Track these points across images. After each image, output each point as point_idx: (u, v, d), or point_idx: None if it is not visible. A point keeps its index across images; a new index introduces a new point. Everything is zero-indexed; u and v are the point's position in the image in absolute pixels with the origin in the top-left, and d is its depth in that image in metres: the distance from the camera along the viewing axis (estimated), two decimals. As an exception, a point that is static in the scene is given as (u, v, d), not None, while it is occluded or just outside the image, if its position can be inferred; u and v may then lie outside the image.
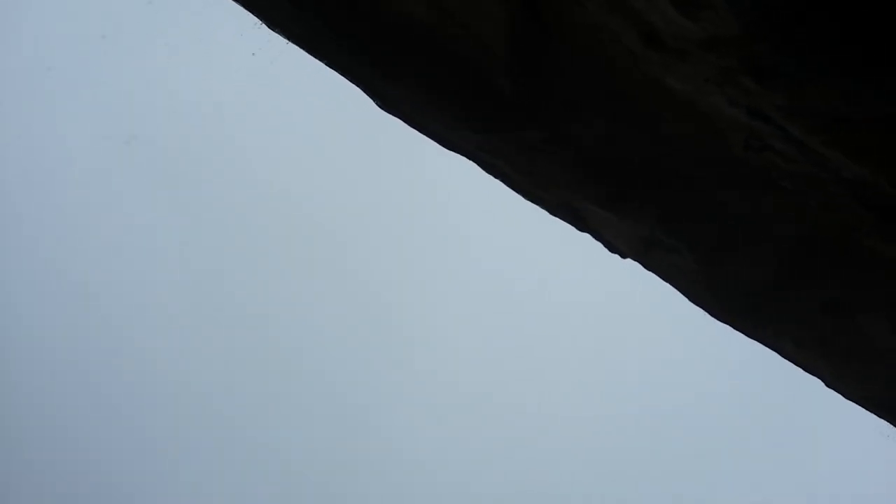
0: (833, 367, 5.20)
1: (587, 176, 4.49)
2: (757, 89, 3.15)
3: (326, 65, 4.50)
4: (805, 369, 5.38)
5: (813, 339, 5.13)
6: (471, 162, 4.37)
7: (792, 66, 3.09)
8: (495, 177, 4.40)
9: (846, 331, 4.96)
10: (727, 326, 5.36)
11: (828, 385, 5.39)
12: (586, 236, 4.85)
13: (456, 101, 4.05)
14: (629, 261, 5.16)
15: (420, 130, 4.31)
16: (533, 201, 4.45)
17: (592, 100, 3.84)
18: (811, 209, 4.07)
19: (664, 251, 4.81)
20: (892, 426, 5.26)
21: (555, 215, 4.54)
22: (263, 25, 4.49)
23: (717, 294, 5.11)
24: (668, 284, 5.31)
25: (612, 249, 4.84)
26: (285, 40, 4.50)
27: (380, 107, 4.28)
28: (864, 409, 5.34)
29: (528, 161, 4.19)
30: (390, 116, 4.46)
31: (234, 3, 4.43)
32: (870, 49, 3.12)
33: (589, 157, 4.42)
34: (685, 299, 5.38)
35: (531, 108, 3.92)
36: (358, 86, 4.56)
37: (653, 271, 5.06)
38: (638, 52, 3.57)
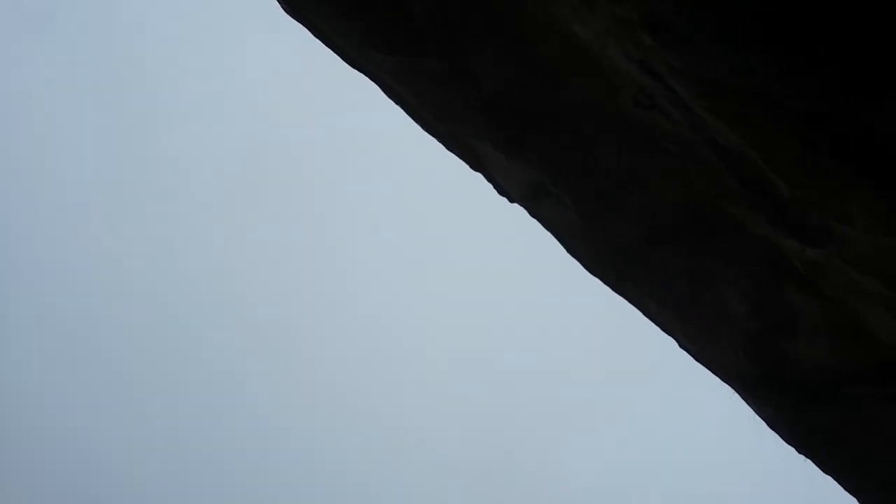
0: (687, 330, 5.28)
1: (487, 117, 4.40)
2: (653, 46, 3.10)
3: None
4: (662, 329, 5.45)
5: (673, 301, 5.19)
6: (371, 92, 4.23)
7: (690, 28, 3.05)
8: (396, 103, 4.27)
9: (703, 297, 5.03)
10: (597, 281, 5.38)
11: (681, 346, 5.48)
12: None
13: (366, 17, 3.89)
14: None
15: (325, 43, 4.14)
16: (430, 133, 4.35)
17: (500, 38, 3.75)
18: (687, 174, 4.08)
19: (551, 201, 4.77)
20: (733, 390, 5.39)
21: (450, 150, 4.44)
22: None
23: (593, 248, 5.10)
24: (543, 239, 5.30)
25: (501, 192, 4.78)
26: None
27: (285, 11, 4.09)
28: (710, 372, 5.46)
29: (431, 91, 4.08)
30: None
31: None
32: (769, 28, 3.10)
33: (491, 99, 4.33)
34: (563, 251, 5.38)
35: (439, 37, 3.80)
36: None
37: (537, 219, 5.02)
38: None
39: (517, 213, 5.18)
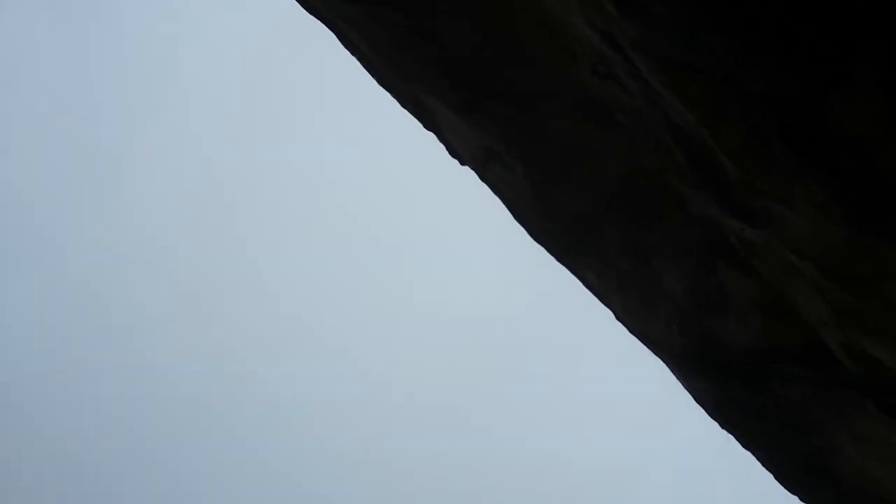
0: (624, 303, 5.32)
1: (445, 77, 4.32)
2: (615, 15, 3.06)
3: None
4: (601, 301, 5.48)
5: (612, 274, 5.20)
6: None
7: (655, 1, 3.01)
8: (353, 54, 4.16)
9: (643, 272, 5.05)
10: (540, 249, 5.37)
11: (617, 318, 5.52)
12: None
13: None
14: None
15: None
16: (386, 88, 4.25)
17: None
18: (637, 149, 4.06)
19: (501, 166, 4.72)
20: (664, 364, 5.45)
21: (404, 107, 4.36)
22: None
23: (539, 217, 5.08)
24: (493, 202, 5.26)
25: (452, 154, 4.72)
26: None
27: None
28: (643, 344, 5.52)
29: (390, 45, 3.98)
30: None
31: None
32: (734, 5, 3.08)
33: (450, 59, 4.25)
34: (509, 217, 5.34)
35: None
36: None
37: (486, 183, 4.98)
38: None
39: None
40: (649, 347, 5.39)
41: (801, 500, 5.34)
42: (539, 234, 5.17)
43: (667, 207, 4.55)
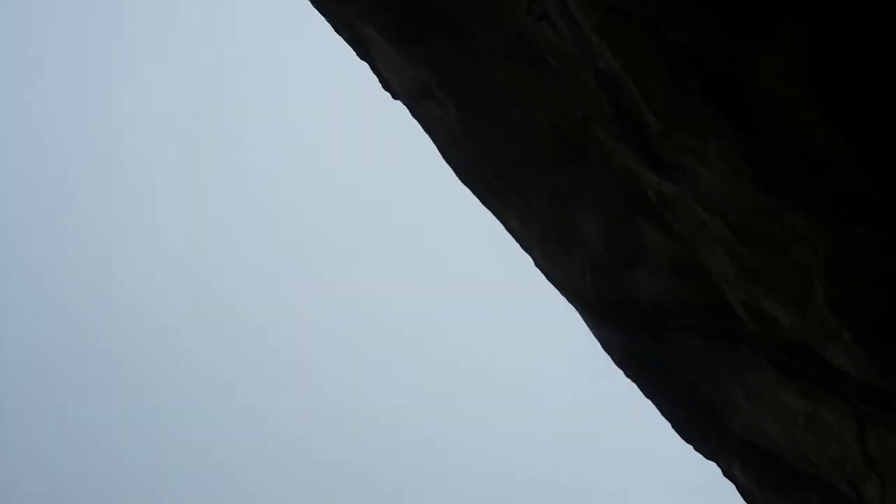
0: (544, 250, 5.35)
1: (383, 6, 4.25)
2: (551, -47, 3.03)
3: None
4: (521, 246, 5.51)
5: (534, 220, 5.23)
6: None
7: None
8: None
9: (562, 220, 5.09)
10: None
11: (536, 265, 5.56)
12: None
13: None
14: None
15: None
16: (321, 11, 4.16)
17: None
18: (566, 95, 4.06)
19: (434, 103, 4.68)
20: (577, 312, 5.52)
21: (339, 33, 4.28)
22: None
23: (467, 157, 5.07)
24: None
25: (385, 87, 4.66)
26: None
27: None
28: (558, 293, 5.57)
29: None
30: None
31: None
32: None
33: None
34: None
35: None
36: None
37: (418, 120, 4.93)
38: None
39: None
40: (564, 295, 5.45)
41: (695, 449, 5.49)
42: (467, 175, 5.16)
43: (590, 157, 4.58)
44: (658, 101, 3.66)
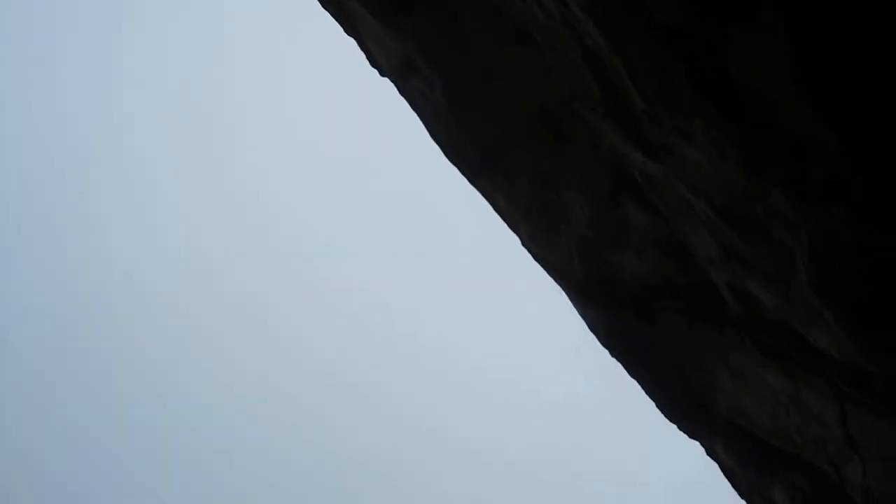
0: (530, 230, 5.33)
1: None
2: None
3: None
4: (509, 226, 5.49)
5: (521, 201, 5.21)
6: None
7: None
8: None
9: (549, 200, 5.06)
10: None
11: (522, 244, 5.54)
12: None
13: None
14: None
15: None
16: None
17: None
18: (552, 73, 4.02)
19: (420, 80, 4.64)
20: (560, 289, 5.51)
21: (325, 8, 4.22)
22: None
23: (454, 136, 5.03)
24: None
25: (372, 63, 4.61)
26: None
27: None
28: (545, 271, 5.56)
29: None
30: None
31: None
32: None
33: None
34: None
35: None
36: None
37: (405, 97, 4.89)
38: None
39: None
40: (550, 275, 5.44)
41: (679, 428, 5.50)
42: (453, 154, 5.13)
43: (577, 137, 4.55)
44: (644, 81, 3.62)
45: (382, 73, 4.64)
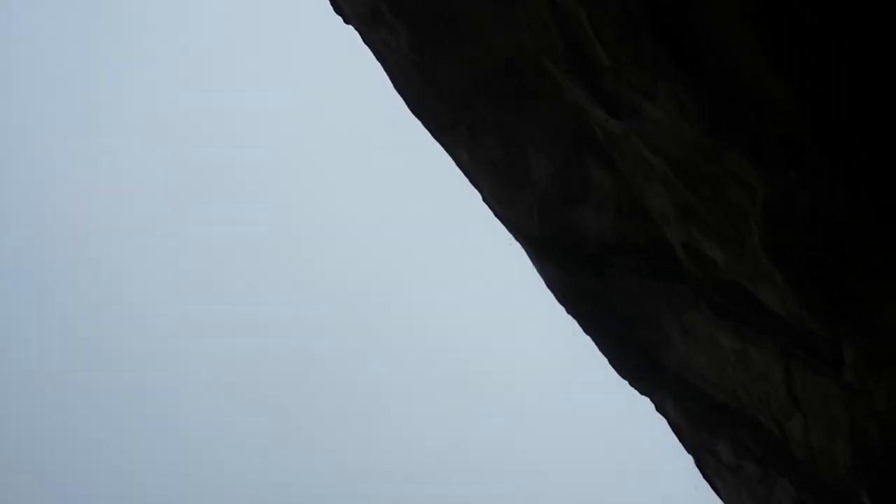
0: (492, 186, 5.32)
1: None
2: None
3: None
4: (470, 181, 5.47)
5: (484, 155, 5.19)
6: None
7: None
8: None
9: (512, 156, 5.05)
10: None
11: (483, 200, 5.53)
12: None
13: None
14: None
15: None
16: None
17: None
18: (519, 26, 3.99)
19: (386, 29, 4.57)
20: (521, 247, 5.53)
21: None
22: None
23: (419, 89, 4.98)
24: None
25: (337, 10, 4.53)
26: None
27: None
28: (505, 229, 5.57)
29: None
30: None
31: None
32: None
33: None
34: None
35: None
36: None
37: (370, 47, 4.83)
38: None
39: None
40: (510, 231, 5.44)
41: (631, 385, 5.58)
42: (418, 107, 5.09)
43: (542, 93, 4.53)
44: (609, 36, 3.61)
45: (347, 21, 4.57)
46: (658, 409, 5.45)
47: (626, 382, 5.60)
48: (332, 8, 4.48)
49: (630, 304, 5.14)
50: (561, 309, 5.46)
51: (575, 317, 5.44)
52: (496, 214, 5.44)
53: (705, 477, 5.46)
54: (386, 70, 4.86)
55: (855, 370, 3.98)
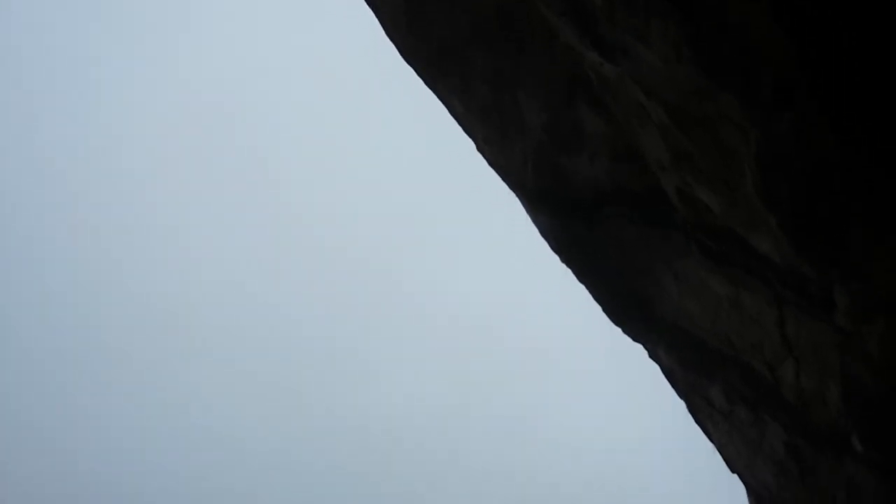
0: (486, 134, 5.26)
1: None
2: None
3: None
4: (464, 130, 5.40)
5: (477, 104, 5.11)
6: None
7: None
8: None
9: (505, 103, 4.98)
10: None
11: (478, 149, 5.47)
12: None
13: None
14: None
15: None
16: None
17: None
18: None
19: (376, -25, 4.48)
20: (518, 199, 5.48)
21: None
22: None
23: (412, 36, 4.90)
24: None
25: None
26: None
27: None
28: (498, 178, 5.52)
29: None
30: None
31: None
32: None
33: None
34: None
35: None
36: None
37: (362, -5, 4.74)
38: None
39: None
40: (504, 180, 5.39)
41: (624, 331, 5.58)
42: (410, 55, 5.00)
43: (534, 37, 4.45)
44: (602, -23, 3.53)
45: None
46: (651, 355, 5.46)
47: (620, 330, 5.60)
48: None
49: (623, 252, 5.12)
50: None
51: (569, 265, 5.42)
52: (490, 163, 5.39)
53: (697, 422, 5.49)
54: (378, 17, 4.77)
55: (847, 314, 3.98)
